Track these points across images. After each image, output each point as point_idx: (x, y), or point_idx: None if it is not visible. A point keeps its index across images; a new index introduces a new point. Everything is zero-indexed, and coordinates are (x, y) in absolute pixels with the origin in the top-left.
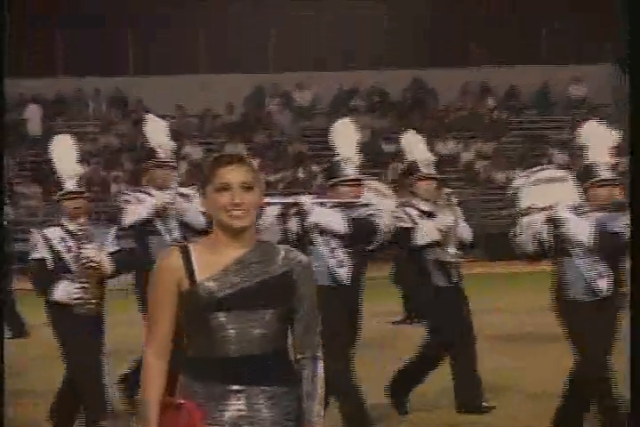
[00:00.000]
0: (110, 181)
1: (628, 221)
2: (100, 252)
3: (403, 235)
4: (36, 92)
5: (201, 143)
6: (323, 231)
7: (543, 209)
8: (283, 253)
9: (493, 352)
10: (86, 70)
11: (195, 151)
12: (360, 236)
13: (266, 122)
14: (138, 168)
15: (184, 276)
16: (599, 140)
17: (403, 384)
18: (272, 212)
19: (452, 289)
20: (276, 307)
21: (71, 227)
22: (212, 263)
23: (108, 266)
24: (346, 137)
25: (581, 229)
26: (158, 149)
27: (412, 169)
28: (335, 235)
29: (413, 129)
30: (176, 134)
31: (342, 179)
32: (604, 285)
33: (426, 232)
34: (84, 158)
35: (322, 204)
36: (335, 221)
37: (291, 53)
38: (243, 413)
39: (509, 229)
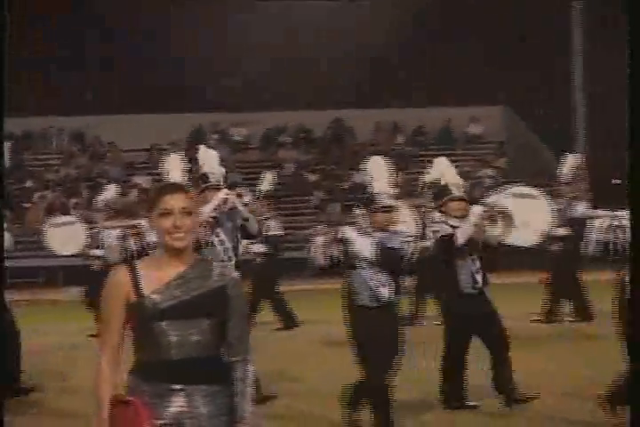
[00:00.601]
0: (70, 207)
1: (404, 239)
2: None
3: (444, 242)
4: (6, 130)
5: (149, 173)
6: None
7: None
8: (218, 269)
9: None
10: (51, 111)
11: (144, 180)
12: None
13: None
14: (93, 195)
15: (131, 290)
16: (382, 174)
17: (449, 381)
18: (113, 233)
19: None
20: (211, 317)
21: None
22: (156, 278)
23: None
24: (174, 168)
25: (365, 247)
26: (210, 175)
27: (444, 191)
28: None
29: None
30: (129, 165)
31: None
32: (385, 292)
33: (464, 232)
34: (48, 186)
35: None
36: None
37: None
38: (183, 409)
39: None
